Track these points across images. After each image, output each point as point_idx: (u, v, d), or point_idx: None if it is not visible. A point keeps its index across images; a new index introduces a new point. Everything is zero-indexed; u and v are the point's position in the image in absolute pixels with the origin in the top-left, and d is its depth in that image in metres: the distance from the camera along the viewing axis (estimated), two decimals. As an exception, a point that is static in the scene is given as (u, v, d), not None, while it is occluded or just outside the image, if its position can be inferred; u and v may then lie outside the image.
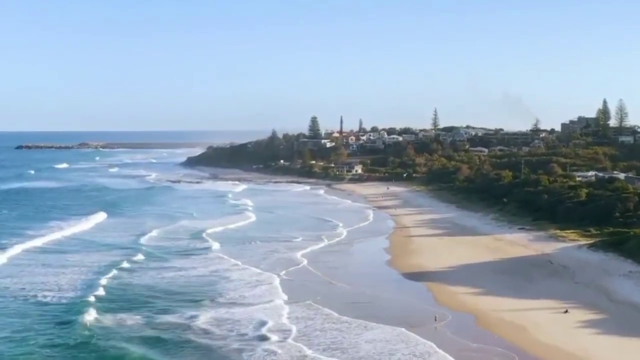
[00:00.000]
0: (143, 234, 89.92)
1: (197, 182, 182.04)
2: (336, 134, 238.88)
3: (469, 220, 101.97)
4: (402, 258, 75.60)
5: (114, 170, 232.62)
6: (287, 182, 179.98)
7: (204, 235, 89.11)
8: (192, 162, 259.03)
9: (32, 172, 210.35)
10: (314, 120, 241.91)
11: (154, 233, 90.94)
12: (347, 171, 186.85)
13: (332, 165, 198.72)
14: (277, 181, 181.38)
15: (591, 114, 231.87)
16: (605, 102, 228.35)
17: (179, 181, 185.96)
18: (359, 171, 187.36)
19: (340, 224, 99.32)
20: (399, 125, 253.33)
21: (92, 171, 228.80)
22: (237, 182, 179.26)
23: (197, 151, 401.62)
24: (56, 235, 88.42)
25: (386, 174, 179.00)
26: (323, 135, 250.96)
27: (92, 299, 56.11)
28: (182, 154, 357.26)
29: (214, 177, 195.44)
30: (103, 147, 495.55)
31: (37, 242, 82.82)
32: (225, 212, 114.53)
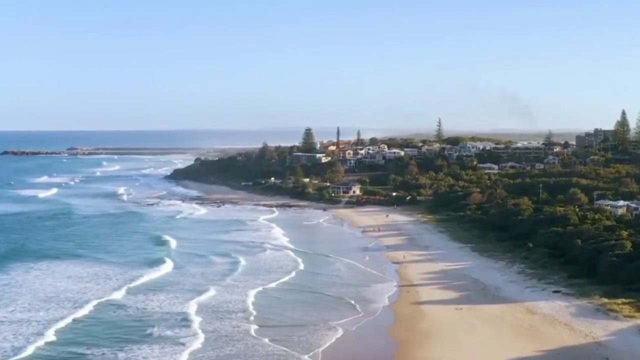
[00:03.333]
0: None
1: (178, 204, 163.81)
2: (332, 148, 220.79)
3: (489, 275, 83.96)
4: (411, 349, 57.77)
5: (92, 186, 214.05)
6: (277, 204, 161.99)
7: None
8: (178, 176, 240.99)
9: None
10: (308, 133, 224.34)
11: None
12: (344, 192, 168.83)
13: (328, 184, 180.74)
14: (265, 203, 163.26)
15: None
16: (624, 113, 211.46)
17: (157, 202, 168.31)
18: (357, 192, 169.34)
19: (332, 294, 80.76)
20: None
21: (68, 187, 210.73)
22: (221, 205, 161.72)
23: (187, 158, 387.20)
24: None
25: (387, 197, 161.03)
26: (318, 147, 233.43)
27: None
28: (171, 163, 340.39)
29: (197, 199, 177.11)
30: (92, 152, 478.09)
31: None
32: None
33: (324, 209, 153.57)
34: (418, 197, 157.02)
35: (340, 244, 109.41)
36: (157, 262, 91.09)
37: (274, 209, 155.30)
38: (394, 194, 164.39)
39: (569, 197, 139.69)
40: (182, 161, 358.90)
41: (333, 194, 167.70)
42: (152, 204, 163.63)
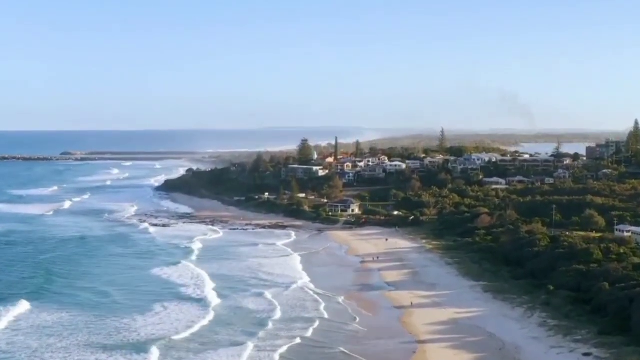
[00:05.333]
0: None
1: (164, 225, 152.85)
2: (330, 159, 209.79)
3: (507, 327, 73.13)
4: None
5: (77, 200, 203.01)
6: (270, 224, 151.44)
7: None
8: (169, 187, 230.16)
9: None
10: (304, 144, 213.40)
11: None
12: (342, 211, 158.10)
13: (325, 201, 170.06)
14: (258, 223, 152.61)
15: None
16: (637, 123, 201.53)
17: (143, 221, 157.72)
18: (356, 211, 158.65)
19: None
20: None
21: (50, 201, 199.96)
22: (209, 225, 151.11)
23: (181, 165, 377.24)
24: None
25: (388, 218, 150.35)
26: (315, 157, 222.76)
27: None
28: (164, 170, 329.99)
29: (187, 217, 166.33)
30: (85, 157, 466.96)
31: None
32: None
33: (320, 230, 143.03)
34: (421, 218, 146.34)
35: (337, 279, 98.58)
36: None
37: (266, 229, 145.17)
38: (396, 212, 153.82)
39: (585, 220, 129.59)
40: (175, 167, 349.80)
41: (330, 213, 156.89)
42: (137, 225, 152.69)
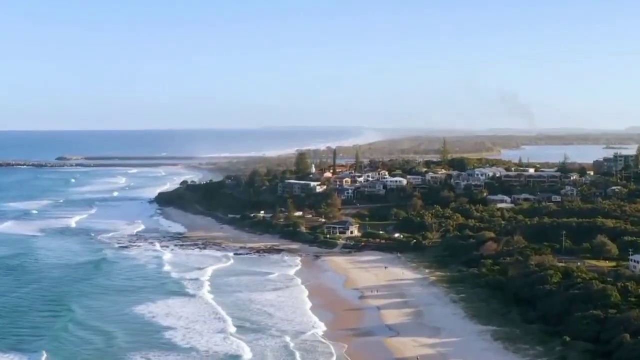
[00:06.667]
0: None
1: (155, 250, 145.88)
2: (328, 175, 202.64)
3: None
4: None
5: (66, 217, 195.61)
6: (265, 248, 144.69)
7: None
8: (162, 201, 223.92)
9: None
10: (301, 157, 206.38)
11: None
12: (341, 232, 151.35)
13: (323, 220, 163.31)
14: (252, 247, 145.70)
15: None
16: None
17: (133, 244, 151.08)
18: (355, 232, 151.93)
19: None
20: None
21: (40, 217, 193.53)
22: (201, 248, 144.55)
23: (177, 172, 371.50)
24: None
25: (389, 241, 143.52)
26: (314, 170, 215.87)
27: None
28: (158, 179, 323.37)
29: (179, 238, 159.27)
30: (80, 164, 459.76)
31: None
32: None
33: (318, 256, 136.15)
34: (424, 242, 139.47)
35: (335, 320, 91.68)
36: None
37: (261, 254, 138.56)
38: (397, 235, 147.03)
39: (597, 247, 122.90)
40: (171, 177, 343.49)
41: (328, 235, 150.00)
42: (126, 248, 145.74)
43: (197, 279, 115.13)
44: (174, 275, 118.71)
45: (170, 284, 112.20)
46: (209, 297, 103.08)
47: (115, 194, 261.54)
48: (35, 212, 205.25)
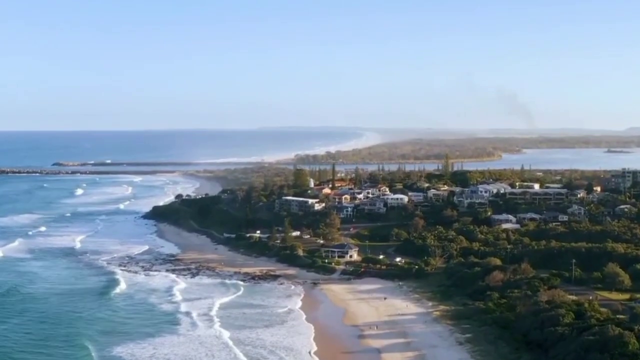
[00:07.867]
0: None
1: (145, 272, 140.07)
2: (327, 190, 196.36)
3: None
4: None
5: (56, 235, 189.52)
6: (260, 273, 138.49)
7: None
8: (157, 216, 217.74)
9: None
10: (299, 172, 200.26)
11: None
12: (340, 256, 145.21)
13: (321, 241, 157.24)
14: (247, 272, 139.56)
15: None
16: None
17: (124, 267, 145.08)
18: (354, 256, 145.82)
19: None
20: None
21: (27, 234, 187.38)
22: (195, 274, 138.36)
23: (175, 180, 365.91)
24: None
25: (390, 267, 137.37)
26: (312, 185, 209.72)
27: None
28: (153, 189, 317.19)
29: (171, 261, 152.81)
30: (76, 170, 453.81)
31: None
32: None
33: (315, 283, 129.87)
34: (426, 268, 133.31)
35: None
36: None
37: (256, 280, 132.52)
38: (398, 260, 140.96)
39: (608, 277, 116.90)
40: (167, 185, 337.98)
41: (327, 260, 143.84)
42: (114, 274, 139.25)
43: (188, 312, 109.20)
44: (165, 309, 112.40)
45: (159, 322, 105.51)
46: (195, 334, 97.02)
47: (109, 205, 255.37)
48: (25, 226, 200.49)
